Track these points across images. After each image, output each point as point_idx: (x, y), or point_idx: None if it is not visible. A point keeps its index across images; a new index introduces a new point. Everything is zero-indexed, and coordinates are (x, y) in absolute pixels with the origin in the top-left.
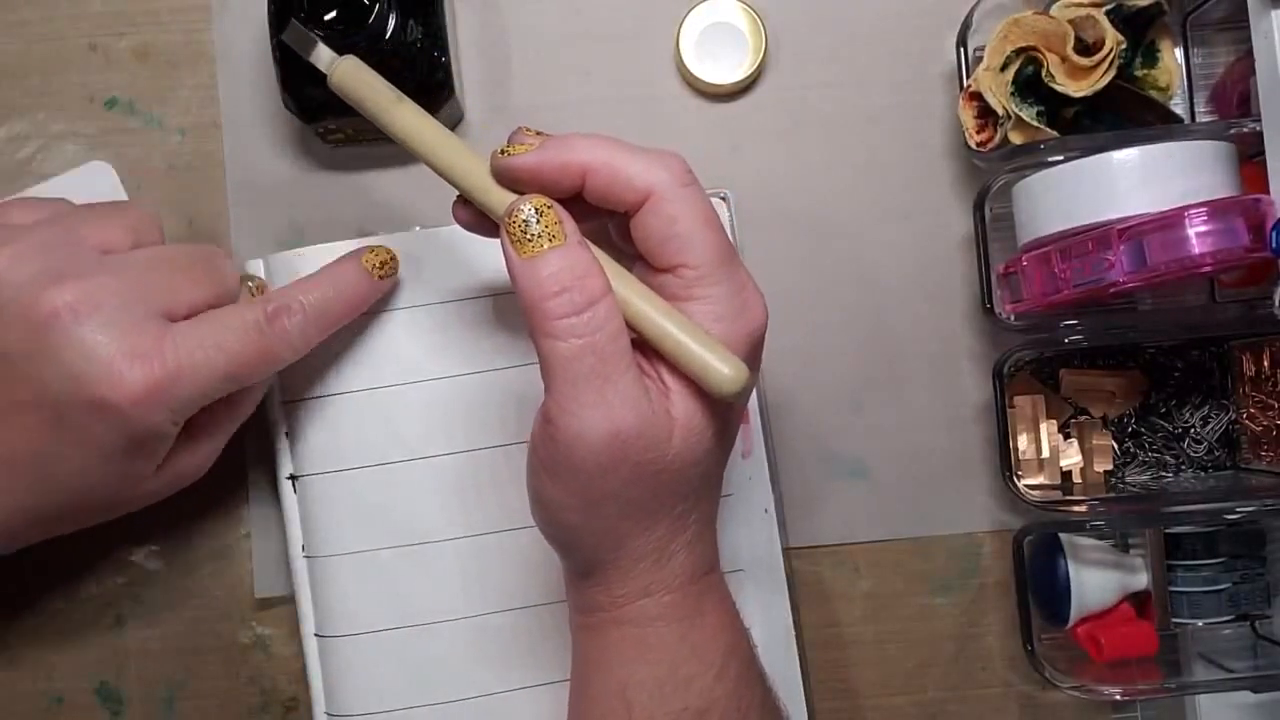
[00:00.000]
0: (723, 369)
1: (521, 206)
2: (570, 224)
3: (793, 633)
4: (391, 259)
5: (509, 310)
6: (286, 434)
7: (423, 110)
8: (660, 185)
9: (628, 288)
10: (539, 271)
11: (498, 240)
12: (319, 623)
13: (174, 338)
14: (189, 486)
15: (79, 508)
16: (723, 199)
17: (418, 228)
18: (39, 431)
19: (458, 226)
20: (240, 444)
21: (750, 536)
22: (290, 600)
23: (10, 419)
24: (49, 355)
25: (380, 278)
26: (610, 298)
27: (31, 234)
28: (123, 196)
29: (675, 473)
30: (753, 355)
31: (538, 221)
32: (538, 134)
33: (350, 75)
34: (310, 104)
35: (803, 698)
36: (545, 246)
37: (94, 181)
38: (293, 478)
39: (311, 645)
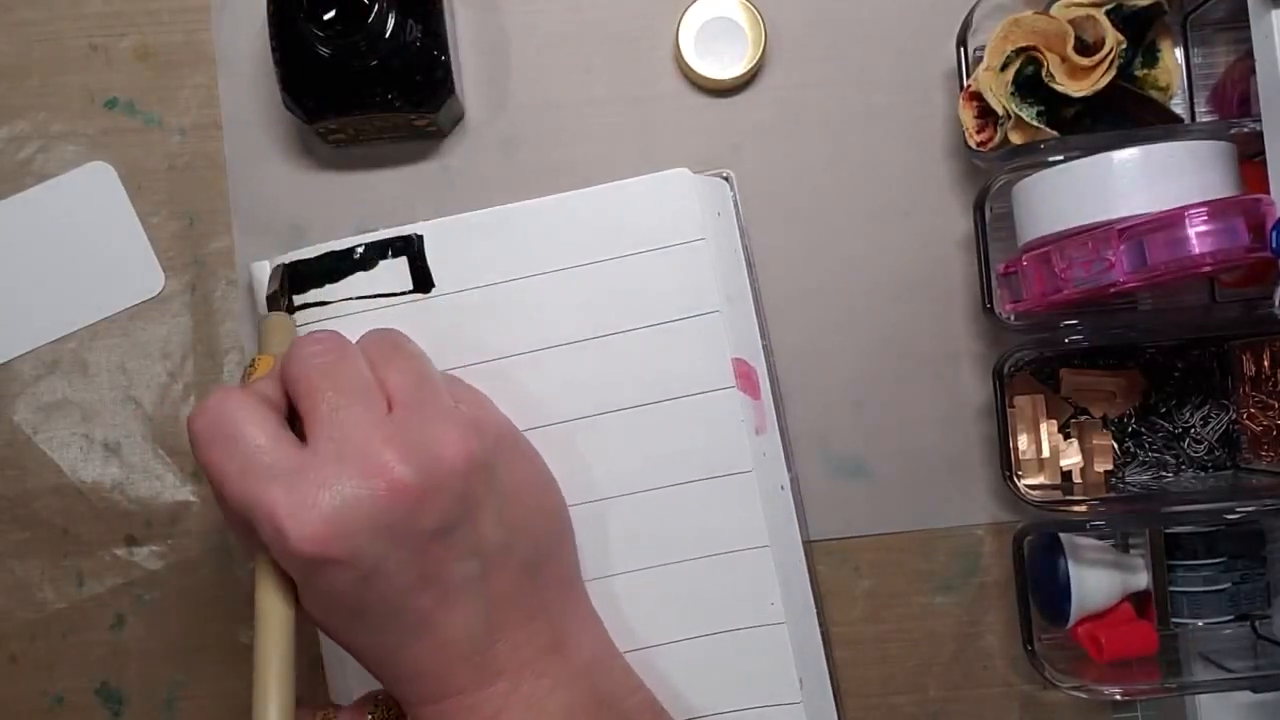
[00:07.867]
0: None
1: None
2: None
3: (813, 608)
4: None
5: (518, 299)
6: None
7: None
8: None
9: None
10: None
11: (507, 234)
12: None
13: None
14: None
15: None
16: (725, 178)
17: (420, 223)
18: None
19: (462, 217)
20: None
21: (770, 512)
22: None
23: None
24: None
25: None
26: None
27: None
28: (123, 197)
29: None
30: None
31: None
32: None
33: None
34: (311, 104)
35: (826, 671)
36: None
37: (94, 182)
38: None
39: None
